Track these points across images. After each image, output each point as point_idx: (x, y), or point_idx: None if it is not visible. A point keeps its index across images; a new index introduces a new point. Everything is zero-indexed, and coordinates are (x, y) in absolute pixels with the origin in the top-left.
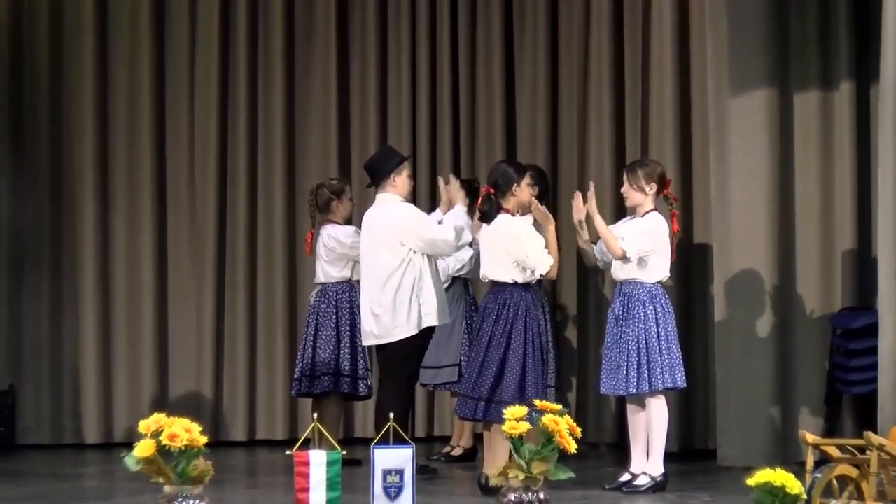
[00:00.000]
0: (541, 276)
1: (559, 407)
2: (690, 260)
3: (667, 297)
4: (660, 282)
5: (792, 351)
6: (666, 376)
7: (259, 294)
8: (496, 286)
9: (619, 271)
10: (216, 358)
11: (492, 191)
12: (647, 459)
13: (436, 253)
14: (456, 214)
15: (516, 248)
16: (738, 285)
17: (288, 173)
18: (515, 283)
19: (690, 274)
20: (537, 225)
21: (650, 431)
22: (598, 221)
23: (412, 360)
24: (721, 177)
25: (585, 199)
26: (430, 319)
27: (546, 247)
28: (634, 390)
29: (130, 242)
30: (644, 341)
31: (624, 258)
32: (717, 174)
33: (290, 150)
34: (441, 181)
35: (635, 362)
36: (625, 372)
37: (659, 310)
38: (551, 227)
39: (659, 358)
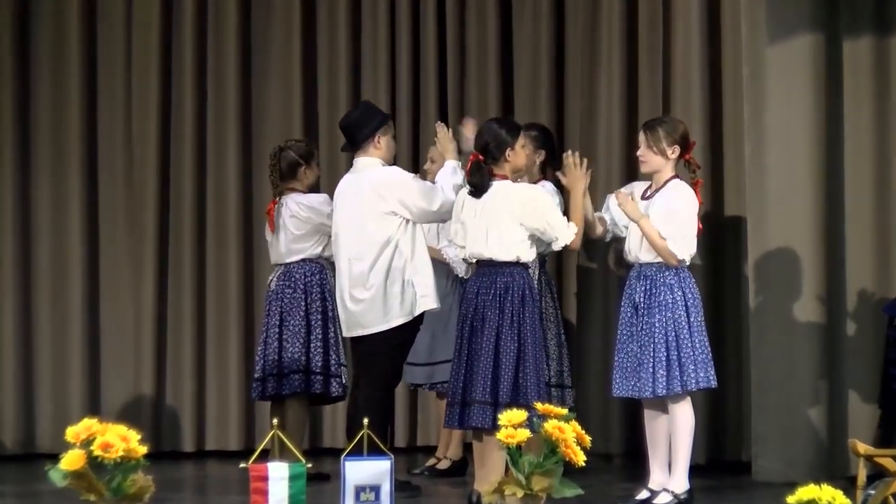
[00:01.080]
0: (564, 246)
1: (565, 411)
2: (720, 236)
3: (694, 281)
4: (685, 263)
5: (840, 345)
6: (700, 374)
7: (209, 277)
8: (491, 266)
9: (640, 251)
10: (158, 352)
11: (481, 157)
12: (669, 474)
13: (436, 221)
14: (451, 171)
15: (532, 215)
16: (775, 266)
17: (242, 135)
18: (517, 263)
19: (720, 253)
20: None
21: (673, 440)
22: (645, 223)
23: (396, 356)
24: (756, 138)
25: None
26: (427, 302)
27: (565, 213)
28: (664, 391)
29: (56, 214)
30: (674, 333)
31: (682, 263)
32: (751, 135)
33: (245, 106)
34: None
35: (664, 358)
36: (651, 370)
37: (689, 296)
38: (580, 187)
39: (691, 353)
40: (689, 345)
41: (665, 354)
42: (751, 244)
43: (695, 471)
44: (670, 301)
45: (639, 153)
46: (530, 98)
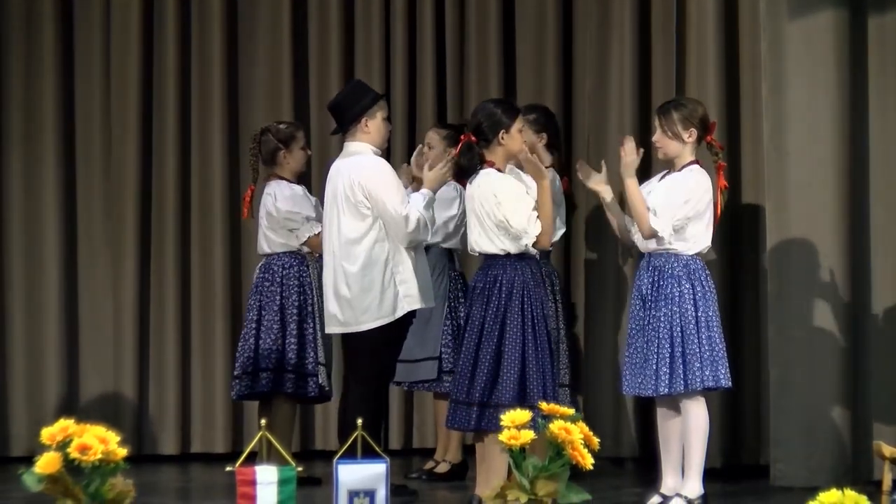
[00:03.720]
0: (526, 246)
1: (572, 411)
2: (737, 225)
3: (708, 273)
4: (699, 253)
5: (864, 341)
6: (706, 373)
7: (193, 268)
8: (486, 260)
9: (648, 240)
10: (139, 349)
11: (473, 138)
12: (682, 478)
13: (394, 236)
14: (421, 199)
15: (494, 208)
16: (796, 257)
17: (228, 120)
18: (508, 255)
19: (736, 242)
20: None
21: (686, 443)
22: (631, 183)
23: (382, 355)
24: (776, 119)
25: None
26: (410, 303)
27: (535, 209)
28: (666, 390)
29: (29, 201)
30: (679, 328)
31: (654, 236)
32: (770, 115)
33: (232, 86)
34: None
35: (667, 355)
36: (654, 367)
37: (698, 289)
38: (544, 183)
39: (698, 350)
40: (696, 341)
41: (669, 351)
42: (769, 233)
43: (710, 475)
44: (677, 294)
45: (654, 138)
46: (535, 78)
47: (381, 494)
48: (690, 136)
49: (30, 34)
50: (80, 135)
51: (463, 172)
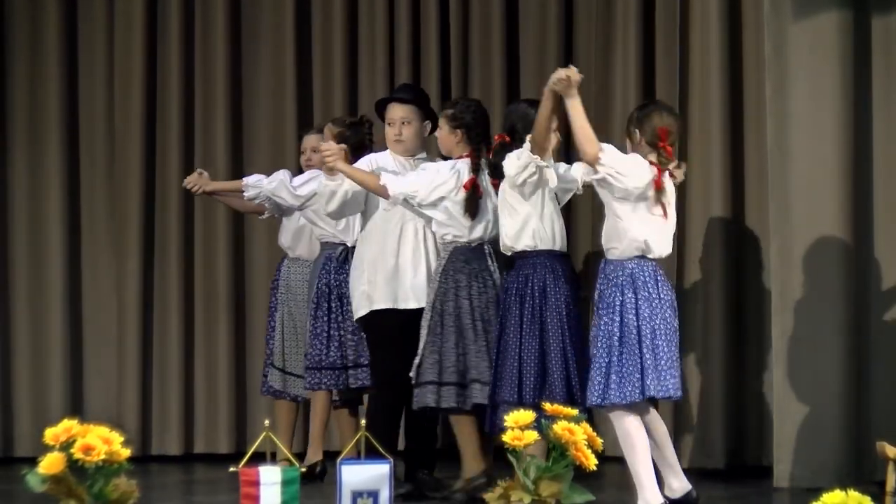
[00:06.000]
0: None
1: (575, 412)
2: (740, 226)
3: (660, 279)
4: (643, 256)
5: (869, 342)
6: (648, 383)
7: (196, 269)
8: (518, 259)
9: (603, 234)
10: (143, 349)
11: (507, 139)
12: (676, 478)
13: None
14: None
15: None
16: (799, 258)
17: (232, 117)
18: (538, 252)
19: (740, 244)
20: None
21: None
22: (576, 103)
23: (381, 349)
24: (779, 120)
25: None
26: (369, 304)
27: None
28: (598, 401)
29: (33, 201)
30: (617, 338)
31: (597, 162)
32: (774, 117)
33: (235, 86)
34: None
35: (604, 365)
36: (592, 376)
37: (642, 297)
38: (574, 102)
39: (639, 360)
40: (637, 351)
41: (606, 361)
42: (773, 234)
43: (713, 476)
44: (618, 303)
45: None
46: (537, 80)
47: (385, 495)
48: (637, 137)
49: (34, 35)
50: (83, 136)
51: (497, 172)
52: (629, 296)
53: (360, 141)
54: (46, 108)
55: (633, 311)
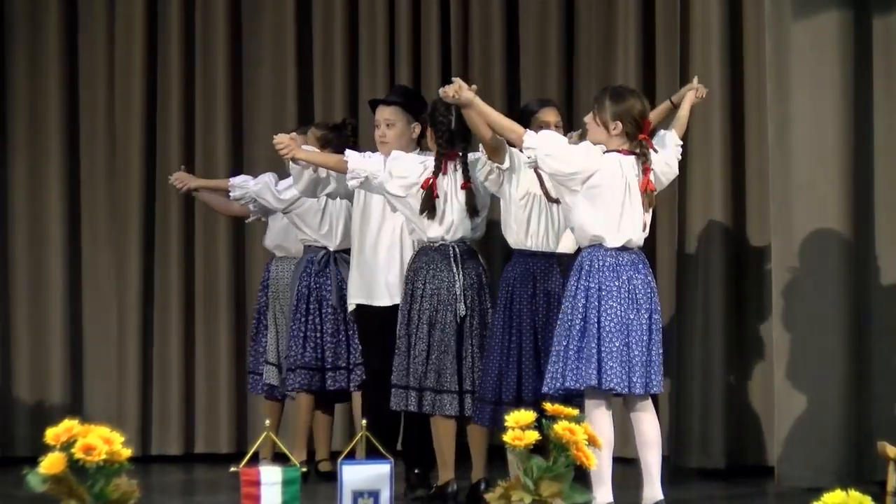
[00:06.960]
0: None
1: (576, 412)
2: (741, 225)
3: (622, 267)
4: (600, 245)
5: (870, 342)
6: (586, 372)
7: (197, 269)
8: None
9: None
10: (143, 348)
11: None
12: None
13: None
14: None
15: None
16: (801, 257)
17: (232, 116)
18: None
19: (741, 243)
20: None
21: None
22: (479, 110)
23: (369, 343)
24: (780, 119)
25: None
26: (354, 296)
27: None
28: (546, 389)
29: (33, 201)
30: (567, 325)
31: (521, 143)
32: (775, 116)
33: (236, 85)
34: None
35: (556, 352)
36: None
37: (593, 285)
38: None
39: (576, 349)
40: (581, 339)
41: (556, 348)
42: (774, 233)
43: (714, 475)
44: (573, 291)
45: (585, 119)
46: (538, 81)
47: (386, 495)
48: (616, 128)
49: (34, 35)
50: (83, 136)
51: (467, 174)
52: (583, 283)
53: (343, 143)
54: (46, 108)
55: (583, 300)
